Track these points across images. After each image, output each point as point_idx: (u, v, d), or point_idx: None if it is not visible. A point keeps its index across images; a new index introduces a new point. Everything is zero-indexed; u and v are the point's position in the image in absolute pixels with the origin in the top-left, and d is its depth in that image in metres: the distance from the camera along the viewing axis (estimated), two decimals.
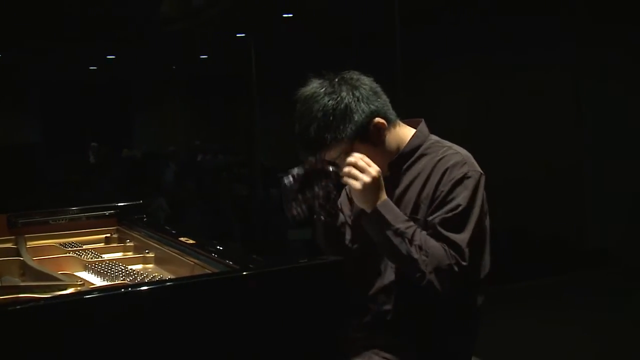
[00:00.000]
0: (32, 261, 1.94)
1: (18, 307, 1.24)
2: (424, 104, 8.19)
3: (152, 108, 16.98)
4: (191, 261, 1.82)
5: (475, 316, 1.89)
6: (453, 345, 1.86)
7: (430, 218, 1.75)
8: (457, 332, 1.85)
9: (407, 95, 6.43)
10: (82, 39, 11.26)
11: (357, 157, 1.75)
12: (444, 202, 1.74)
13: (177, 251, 1.94)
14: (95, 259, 2.11)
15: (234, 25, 10.75)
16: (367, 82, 1.81)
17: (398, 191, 1.84)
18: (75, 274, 1.93)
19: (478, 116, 8.71)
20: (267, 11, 9.71)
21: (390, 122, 1.83)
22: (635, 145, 6.70)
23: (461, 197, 1.73)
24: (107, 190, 10.91)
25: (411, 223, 1.75)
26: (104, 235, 2.49)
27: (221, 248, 1.82)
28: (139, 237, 2.30)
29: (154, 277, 1.84)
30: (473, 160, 1.81)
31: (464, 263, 1.69)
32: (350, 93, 1.76)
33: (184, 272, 1.81)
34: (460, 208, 1.72)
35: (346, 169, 1.74)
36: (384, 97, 1.84)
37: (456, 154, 1.80)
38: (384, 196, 1.76)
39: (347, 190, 2.01)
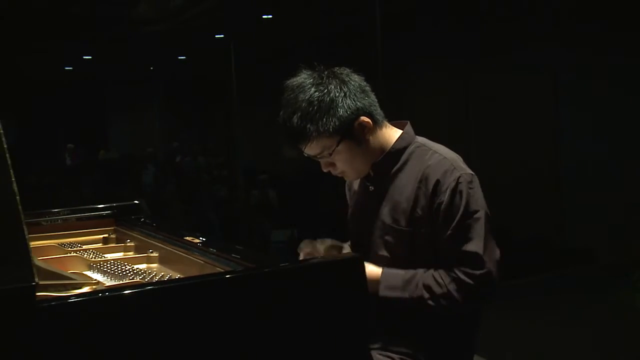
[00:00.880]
0: (39, 261, 1.92)
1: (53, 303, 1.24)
2: (403, 105, 8.24)
3: (130, 109, 16.80)
4: (200, 260, 1.82)
5: (476, 313, 1.89)
6: (453, 344, 1.85)
7: (440, 236, 1.72)
8: (457, 331, 1.84)
9: (386, 97, 6.43)
10: (58, 38, 11.11)
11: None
12: (447, 215, 1.71)
13: (184, 250, 1.94)
14: (99, 259, 2.10)
15: (213, 26, 10.70)
16: (356, 80, 1.80)
17: (384, 195, 1.82)
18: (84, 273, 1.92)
19: (458, 118, 8.78)
20: (246, 12, 9.69)
21: (377, 123, 1.81)
22: (615, 145, 6.81)
23: (462, 206, 1.70)
24: (85, 192, 10.82)
25: (414, 277, 1.73)
26: (102, 236, 2.48)
27: (229, 247, 1.83)
28: (140, 237, 2.29)
29: (162, 276, 1.84)
30: (461, 163, 1.78)
31: (481, 271, 1.68)
32: (338, 87, 1.75)
33: (193, 271, 1.81)
34: (465, 217, 1.70)
35: None
36: (373, 96, 1.82)
37: (443, 159, 1.76)
38: (375, 274, 1.74)
39: (348, 184, 2.03)
